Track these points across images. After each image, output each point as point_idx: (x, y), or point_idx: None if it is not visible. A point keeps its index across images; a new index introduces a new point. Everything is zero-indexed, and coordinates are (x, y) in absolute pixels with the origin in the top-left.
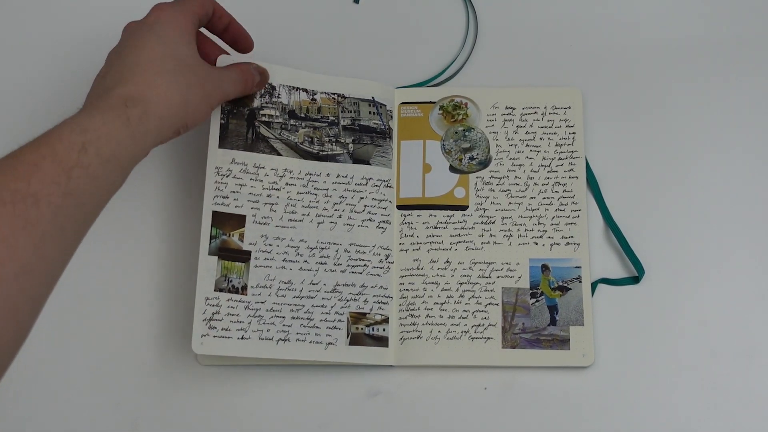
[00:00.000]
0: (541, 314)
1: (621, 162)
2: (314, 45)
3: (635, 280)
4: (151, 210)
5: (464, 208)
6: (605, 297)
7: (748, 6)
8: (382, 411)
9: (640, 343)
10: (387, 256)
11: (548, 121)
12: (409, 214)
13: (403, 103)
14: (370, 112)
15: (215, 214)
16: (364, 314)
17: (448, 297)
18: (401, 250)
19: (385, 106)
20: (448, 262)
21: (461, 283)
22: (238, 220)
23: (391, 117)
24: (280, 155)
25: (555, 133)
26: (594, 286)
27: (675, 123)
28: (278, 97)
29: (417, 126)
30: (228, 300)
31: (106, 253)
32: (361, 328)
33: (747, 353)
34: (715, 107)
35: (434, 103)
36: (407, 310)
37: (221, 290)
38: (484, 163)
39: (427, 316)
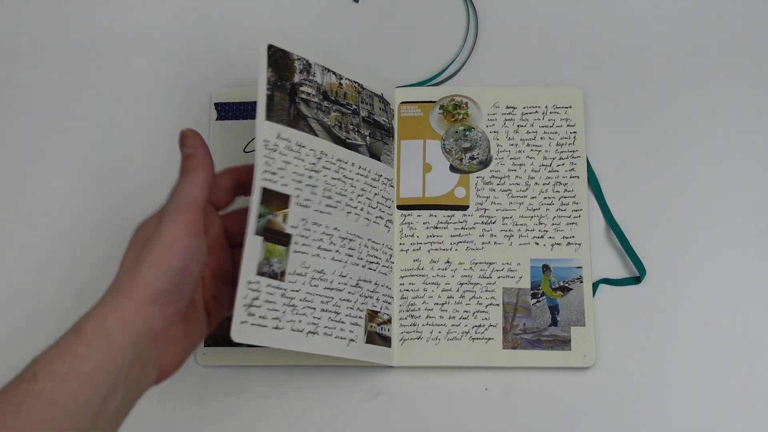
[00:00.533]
0: (542, 314)
1: (622, 161)
2: (314, 43)
3: (637, 280)
4: (145, 203)
5: (465, 208)
6: (606, 297)
7: (751, 5)
8: (383, 412)
9: (641, 344)
10: (390, 256)
11: (549, 120)
12: (409, 214)
13: (402, 102)
14: (380, 108)
15: (263, 191)
16: (377, 312)
17: (448, 297)
18: (401, 250)
19: (390, 104)
20: (448, 262)
21: (462, 284)
22: (282, 200)
23: (393, 116)
24: (317, 136)
25: (556, 133)
26: (595, 286)
27: (677, 122)
28: (314, 76)
29: (417, 125)
30: (267, 285)
31: (101, 253)
32: (374, 327)
33: (749, 353)
34: (718, 106)
35: (434, 102)
36: (407, 311)
37: (262, 274)
38: (485, 163)
39: (428, 316)
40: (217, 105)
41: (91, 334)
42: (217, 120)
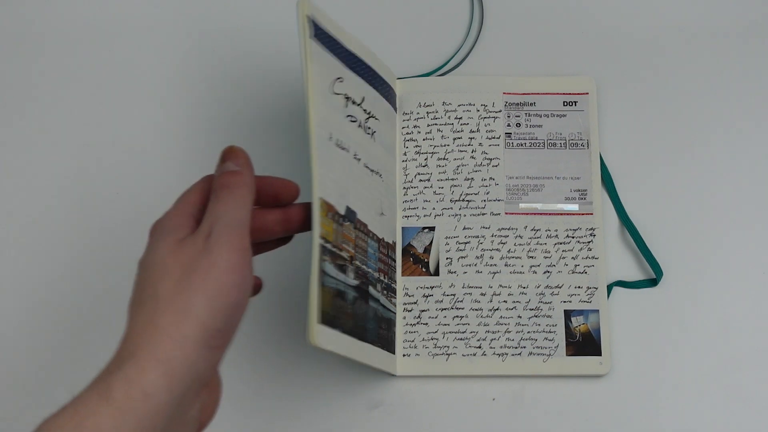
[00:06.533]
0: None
1: (637, 158)
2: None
3: (653, 282)
4: (139, 207)
5: None
6: (621, 301)
7: None
8: (384, 423)
9: (658, 350)
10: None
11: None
12: None
13: None
14: None
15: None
16: None
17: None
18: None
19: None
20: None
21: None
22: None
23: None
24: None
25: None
26: (610, 289)
27: (695, 116)
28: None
29: None
30: None
31: (97, 256)
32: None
33: None
34: (738, 99)
35: None
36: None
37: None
38: None
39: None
40: (314, 22)
41: (125, 398)
42: (313, 38)
